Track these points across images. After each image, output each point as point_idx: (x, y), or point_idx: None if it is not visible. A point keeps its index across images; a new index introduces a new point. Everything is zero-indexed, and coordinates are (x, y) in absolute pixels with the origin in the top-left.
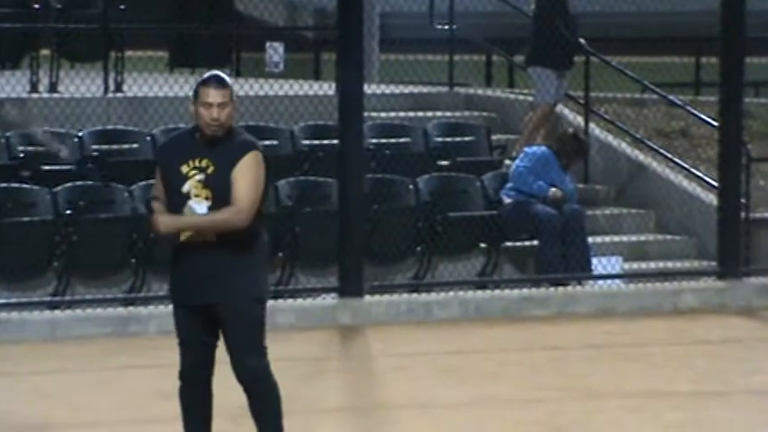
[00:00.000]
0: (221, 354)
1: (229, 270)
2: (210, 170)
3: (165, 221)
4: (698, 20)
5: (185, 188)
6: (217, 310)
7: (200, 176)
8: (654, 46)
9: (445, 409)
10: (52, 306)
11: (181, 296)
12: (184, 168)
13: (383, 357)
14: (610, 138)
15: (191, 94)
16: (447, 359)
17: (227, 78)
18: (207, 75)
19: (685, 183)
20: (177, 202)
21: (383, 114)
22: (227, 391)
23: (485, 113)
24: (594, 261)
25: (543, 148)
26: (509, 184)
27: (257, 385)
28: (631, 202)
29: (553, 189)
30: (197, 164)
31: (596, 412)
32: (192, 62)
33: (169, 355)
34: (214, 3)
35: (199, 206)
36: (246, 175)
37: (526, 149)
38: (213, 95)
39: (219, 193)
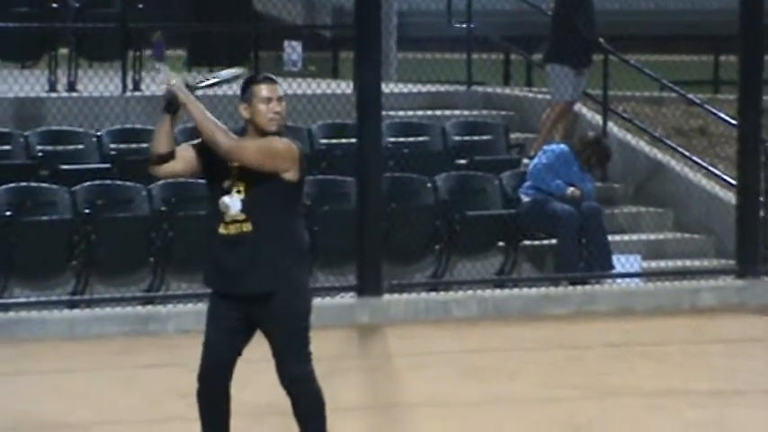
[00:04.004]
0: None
1: (268, 267)
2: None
3: (185, 90)
4: (717, 18)
5: (226, 184)
6: (260, 320)
7: (238, 172)
8: (672, 44)
9: (464, 408)
10: (71, 305)
11: (218, 286)
12: (229, 164)
13: (402, 356)
14: (628, 136)
15: (210, 93)
16: (465, 358)
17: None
18: (254, 75)
19: (704, 181)
20: (215, 191)
21: (401, 113)
22: (247, 389)
23: (503, 112)
24: (613, 259)
25: (562, 146)
26: (527, 183)
27: (299, 392)
28: (650, 200)
29: (571, 188)
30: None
31: (615, 411)
32: (211, 61)
33: (188, 354)
34: (232, 1)
35: (232, 200)
36: (261, 139)
37: (545, 147)
38: (271, 90)
39: (253, 189)
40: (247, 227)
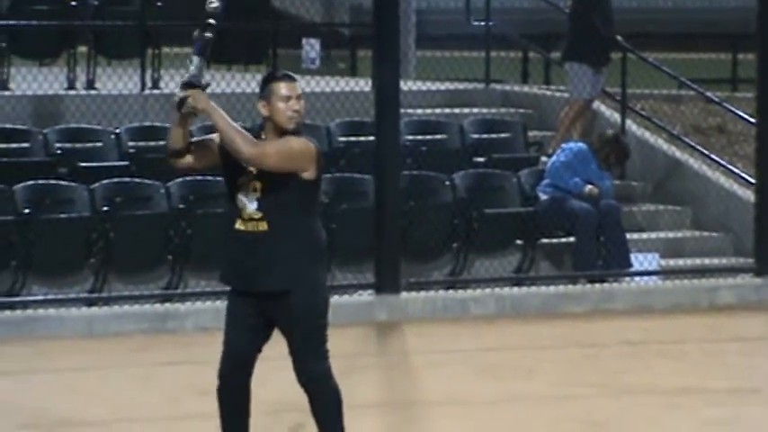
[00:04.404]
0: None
1: (284, 266)
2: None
3: (204, 99)
4: (735, 15)
5: (243, 181)
6: (277, 318)
7: (255, 170)
8: (691, 42)
9: (481, 406)
10: (89, 302)
11: (234, 282)
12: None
13: (419, 354)
14: (647, 134)
15: (228, 90)
16: (483, 356)
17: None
18: (273, 72)
19: (722, 179)
20: (233, 188)
21: (419, 111)
22: (264, 387)
23: (521, 110)
24: (631, 257)
25: (581, 144)
26: (545, 181)
27: (317, 389)
28: (668, 198)
29: (589, 186)
30: None
31: (632, 409)
32: (229, 58)
33: (206, 352)
34: None
35: (248, 199)
36: (279, 141)
37: (563, 145)
38: (290, 88)
39: (269, 187)
40: (263, 226)
